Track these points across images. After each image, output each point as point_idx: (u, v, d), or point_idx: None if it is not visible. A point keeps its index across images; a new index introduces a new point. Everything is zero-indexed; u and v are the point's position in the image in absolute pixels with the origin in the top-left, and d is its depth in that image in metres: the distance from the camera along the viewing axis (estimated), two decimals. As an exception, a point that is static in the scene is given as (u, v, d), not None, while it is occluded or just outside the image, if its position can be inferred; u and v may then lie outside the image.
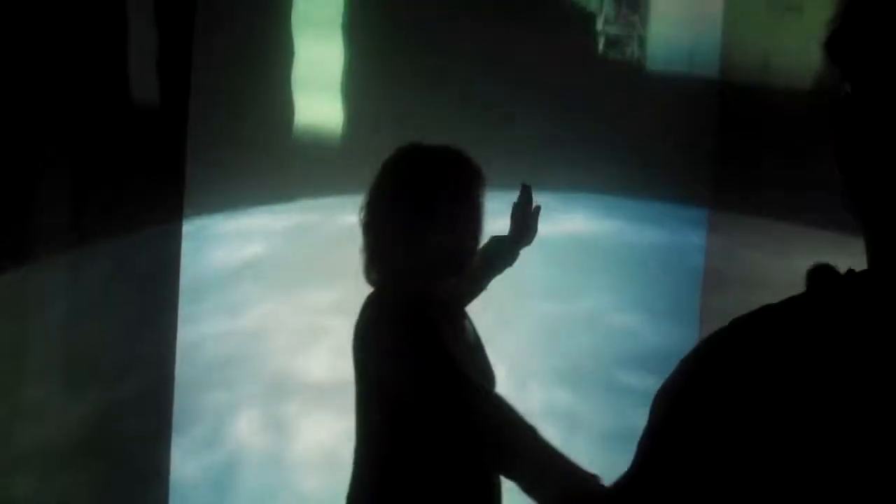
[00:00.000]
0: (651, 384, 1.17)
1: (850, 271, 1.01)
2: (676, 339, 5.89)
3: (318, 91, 6.94)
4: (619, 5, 7.48)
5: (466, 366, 2.37)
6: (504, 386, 2.70)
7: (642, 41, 7.42)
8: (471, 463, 2.43)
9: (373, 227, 2.60)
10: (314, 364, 6.19)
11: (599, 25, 7.51)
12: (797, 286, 1.06)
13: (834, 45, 1.00)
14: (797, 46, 6.05)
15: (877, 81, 0.95)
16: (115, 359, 5.17)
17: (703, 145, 6.29)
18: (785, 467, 0.95)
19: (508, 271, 2.96)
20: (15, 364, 4.87)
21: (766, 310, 1.06)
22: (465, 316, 2.64)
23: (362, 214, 2.63)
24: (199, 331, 6.00)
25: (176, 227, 5.31)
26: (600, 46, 7.51)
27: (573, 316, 6.48)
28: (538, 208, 2.89)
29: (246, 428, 5.96)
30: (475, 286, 2.94)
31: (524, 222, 2.90)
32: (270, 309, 6.51)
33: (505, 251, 2.93)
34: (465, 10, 6.90)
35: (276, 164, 6.53)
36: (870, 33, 0.96)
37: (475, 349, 2.59)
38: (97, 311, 5.21)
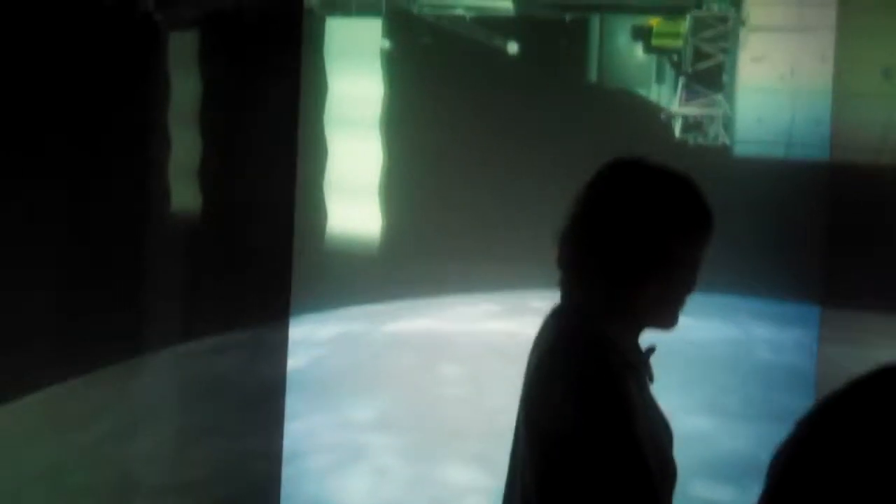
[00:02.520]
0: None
1: None
2: (752, 442, 5.63)
3: (354, 195, 6.55)
4: (693, 84, 6.87)
5: (645, 432, 2.07)
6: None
7: (728, 121, 6.78)
8: None
9: (585, 245, 2.18)
10: (352, 488, 5.74)
11: (675, 107, 6.91)
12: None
13: None
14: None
15: None
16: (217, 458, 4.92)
17: (809, 234, 5.79)
18: None
19: None
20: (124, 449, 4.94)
21: (886, 372, 1.09)
22: (647, 365, 2.28)
23: (573, 224, 2.18)
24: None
25: (283, 326, 5.37)
26: (677, 130, 6.89)
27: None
28: None
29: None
30: None
31: None
32: (309, 426, 6.09)
33: None
34: (527, 112, 6.56)
35: (319, 271, 6.13)
36: None
37: (653, 404, 2.26)
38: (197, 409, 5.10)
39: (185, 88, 5.17)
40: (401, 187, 6.59)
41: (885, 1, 5.60)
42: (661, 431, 2.23)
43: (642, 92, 7.10)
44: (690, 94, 6.84)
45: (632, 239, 2.10)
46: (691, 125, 6.87)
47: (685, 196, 2.15)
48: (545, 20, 7.07)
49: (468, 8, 6.94)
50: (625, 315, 2.17)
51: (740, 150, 6.73)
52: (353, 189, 6.55)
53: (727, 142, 6.78)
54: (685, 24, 6.80)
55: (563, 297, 2.24)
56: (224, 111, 5.29)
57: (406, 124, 6.59)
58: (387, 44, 6.72)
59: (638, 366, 2.21)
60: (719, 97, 6.76)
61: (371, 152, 6.56)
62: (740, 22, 6.72)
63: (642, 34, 6.93)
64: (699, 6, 6.77)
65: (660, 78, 7.05)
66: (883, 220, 5.36)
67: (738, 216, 5.92)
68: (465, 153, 6.52)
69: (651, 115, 6.96)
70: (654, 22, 6.85)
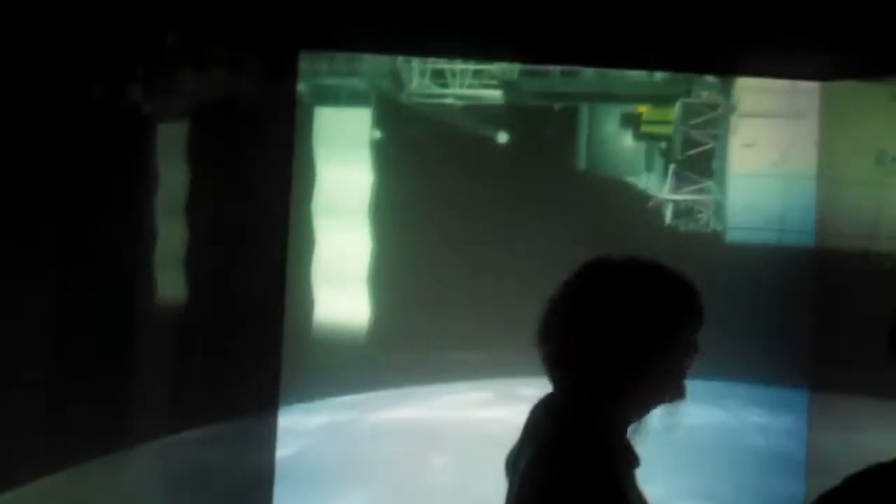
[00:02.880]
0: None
1: None
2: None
3: (342, 284, 6.54)
4: (683, 171, 6.84)
5: None
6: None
7: (719, 207, 6.77)
8: None
9: (581, 339, 2.17)
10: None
11: (665, 193, 6.88)
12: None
13: None
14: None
15: None
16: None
17: (797, 320, 5.75)
18: None
19: None
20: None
21: (879, 469, 1.12)
22: (636, 456, 2.25)
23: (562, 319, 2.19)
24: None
25: (271, 416, 5.39)
26: (668, 217, 6.86)
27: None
28: None
29: None
30: None
31: None
32: (300, 517, 5.99)
33: None
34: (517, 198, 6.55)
35: (308, 360, 6.05)
36: None
37: (641, 497, 2.23)
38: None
39: (173, 179, 5.14)
40: (389, 276, 6.54)
41: (870, 86, 5.61)
42: None
43: (632, 179, 7.08)
44: (680, 181, 6.82)
45: (627, 330, 2.09)
46: (682, 211, 6.84)
47: (672, 285, 2.17)
48: (534, 109, 7.07)
49: (458, 97, 6.95)
50: (622, 403, 2.16)
51: (732, 236, 6.68)
52: (341, 278, 6.51)
53: (718, 228, 6.76)
54: (675, 112, 6.80)
55: (555, 388, 2.20)
56: (213, 200, 5.25)
57: (395, 213, 6.58)
58: (377, 133, 6.73)
59: (630, 459, 2.17)
60: (710, 184, 6.75)
61: (359, 241, 6.55)
62: (731, 108, 6.74)
63: (631, 122, 6.94)
64: (688, 94, 6.78)
65: (649, 165, 7.03)
66: (874, 307, 5.31)
67: (730, 301, 5.89)
68: (454, 241, 6.47)
69: (641, 202, 6.94)
70: (643, 109, 6.85)
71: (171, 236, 5.10)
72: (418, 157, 6.78)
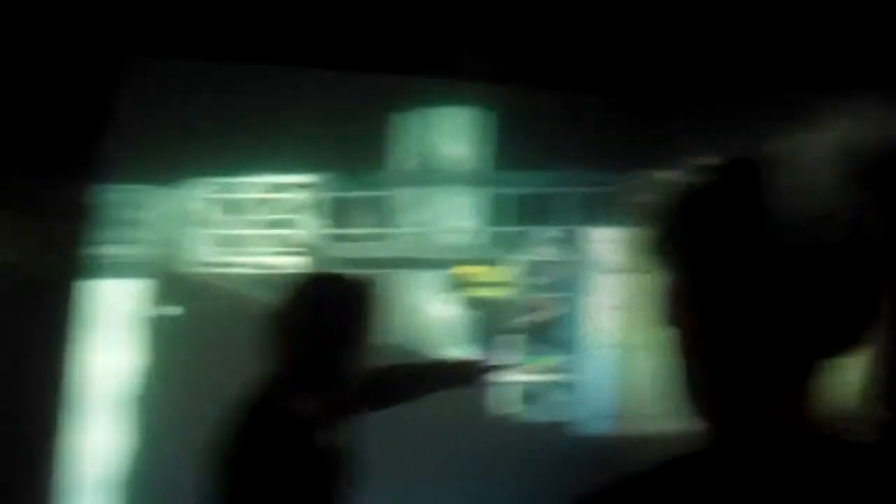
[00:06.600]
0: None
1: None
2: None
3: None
4: (531, 342, 5.81)
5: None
6: None
7: (581, 389, 5.71)
8: None
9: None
10: None
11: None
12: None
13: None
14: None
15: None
16: None
17: None
18: None
19: None
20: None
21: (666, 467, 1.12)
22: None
23: None
24: None
25: None
26: (512, 403, 5.78)
27: None
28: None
29: None
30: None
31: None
32: None
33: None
34: None
35: None
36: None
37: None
38: None
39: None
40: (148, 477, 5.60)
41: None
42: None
43: (455, 355, 6.13)
44: (527, 355, 5.82)
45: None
46: (530, 396, 5.79)
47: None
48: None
49: (254, 265, 6.27)
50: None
51: (595, 426, 5.70)
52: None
53: (578, 416, 5.76)
54: (512, 271, 5.91)
55: None
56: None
57: (164, 400, 5.73)
58: (169, 309, 6.03)
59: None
60: (566, 358, 5.79)
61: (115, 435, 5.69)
62: (586, 264, 5.84)
63: (457, 285, 6.06)
64: (524, 251, 5.89)
65: (479, 337, 6.08)
66: None
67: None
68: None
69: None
70: (472, 270, 5.97)
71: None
72: (202, 333, 5.87)
